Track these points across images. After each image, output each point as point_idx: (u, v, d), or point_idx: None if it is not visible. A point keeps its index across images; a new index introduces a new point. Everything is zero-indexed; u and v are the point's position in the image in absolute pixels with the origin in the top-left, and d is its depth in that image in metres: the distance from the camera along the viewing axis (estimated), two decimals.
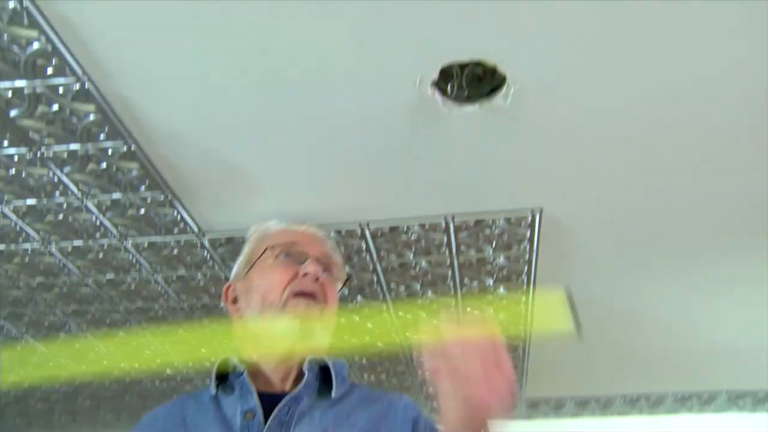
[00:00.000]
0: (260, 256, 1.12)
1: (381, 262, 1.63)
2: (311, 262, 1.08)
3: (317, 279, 1.07)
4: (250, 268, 1.12)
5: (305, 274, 1.07)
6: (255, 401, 0.95)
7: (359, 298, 1.81)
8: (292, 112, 1.17)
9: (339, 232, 1.52)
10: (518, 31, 0.99)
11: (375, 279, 1.73)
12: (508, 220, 1.45)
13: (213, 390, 1.00)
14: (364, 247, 1.57)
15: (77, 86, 1.10)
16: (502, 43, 1.01)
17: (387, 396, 1.03)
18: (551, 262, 1.62)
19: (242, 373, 0.99)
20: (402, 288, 1.77)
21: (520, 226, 1.47)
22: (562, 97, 1.12)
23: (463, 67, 1.10)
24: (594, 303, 1.80)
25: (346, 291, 1.29)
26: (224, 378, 1.02)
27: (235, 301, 1.11)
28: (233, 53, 1.05)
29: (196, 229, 1.51)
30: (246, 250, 1.18)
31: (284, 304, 1.04)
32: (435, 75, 1.08)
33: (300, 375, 0.99)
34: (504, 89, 1.11)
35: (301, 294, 1.05)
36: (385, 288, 1.76)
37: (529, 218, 1.44)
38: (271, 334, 1.04)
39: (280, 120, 1.19)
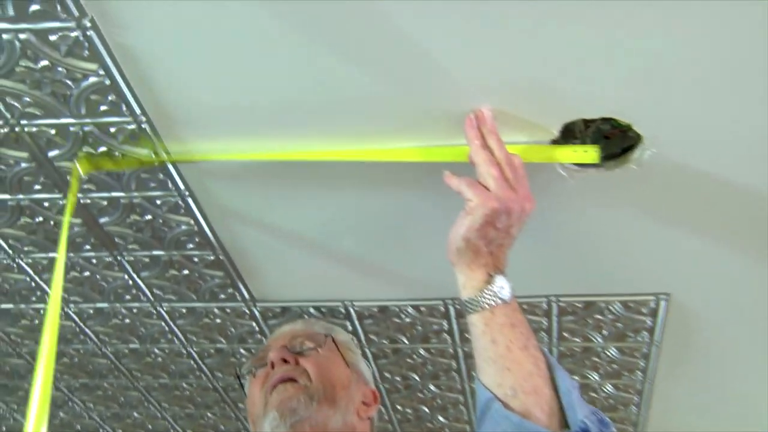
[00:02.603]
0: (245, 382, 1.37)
1: (464, 345, 1.65)
2: (271, 353, 1.28)
3: (284, 361, 1.26)
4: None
5: (272, 368, 1.27)
6: None
7: (432, 386, 1.83)
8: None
9: (417, 308, 1.55)
10: (660, 87, 1.01)
11: (455, 365, 1.75)
12: (625, 305, 1.46)
13: None
14: (446, 326, 1.59)
15: (132, 126, 1.14)
16: (638, 97, 1.03)
17: None
18: (674, 358, 1.62)
19: None
20: None
21: (640, 314, 1.48)
22: (704, 164, 1.13)
23: (588, 123, 1.12)
24: (721, 404, 1.81)
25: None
26: None
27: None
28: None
29: (246, 296, 1.54)
30: None
31: (265, 403, 1.24)
32: (555, 132, 1.10)
33: None
34: (638, 151, 1.13)
35: (276, 384, 1.24)
36: (465, 375, 1.77)
37: (653, 304, 1.45)
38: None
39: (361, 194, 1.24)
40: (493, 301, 1.03)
